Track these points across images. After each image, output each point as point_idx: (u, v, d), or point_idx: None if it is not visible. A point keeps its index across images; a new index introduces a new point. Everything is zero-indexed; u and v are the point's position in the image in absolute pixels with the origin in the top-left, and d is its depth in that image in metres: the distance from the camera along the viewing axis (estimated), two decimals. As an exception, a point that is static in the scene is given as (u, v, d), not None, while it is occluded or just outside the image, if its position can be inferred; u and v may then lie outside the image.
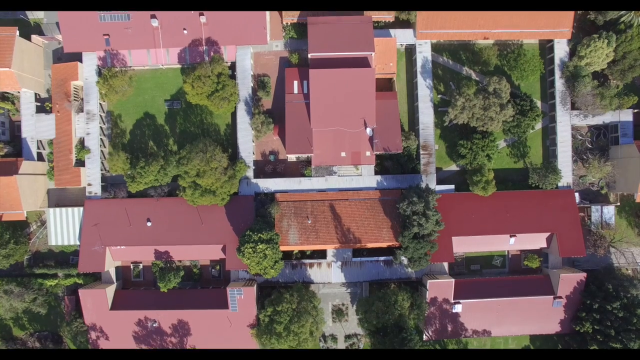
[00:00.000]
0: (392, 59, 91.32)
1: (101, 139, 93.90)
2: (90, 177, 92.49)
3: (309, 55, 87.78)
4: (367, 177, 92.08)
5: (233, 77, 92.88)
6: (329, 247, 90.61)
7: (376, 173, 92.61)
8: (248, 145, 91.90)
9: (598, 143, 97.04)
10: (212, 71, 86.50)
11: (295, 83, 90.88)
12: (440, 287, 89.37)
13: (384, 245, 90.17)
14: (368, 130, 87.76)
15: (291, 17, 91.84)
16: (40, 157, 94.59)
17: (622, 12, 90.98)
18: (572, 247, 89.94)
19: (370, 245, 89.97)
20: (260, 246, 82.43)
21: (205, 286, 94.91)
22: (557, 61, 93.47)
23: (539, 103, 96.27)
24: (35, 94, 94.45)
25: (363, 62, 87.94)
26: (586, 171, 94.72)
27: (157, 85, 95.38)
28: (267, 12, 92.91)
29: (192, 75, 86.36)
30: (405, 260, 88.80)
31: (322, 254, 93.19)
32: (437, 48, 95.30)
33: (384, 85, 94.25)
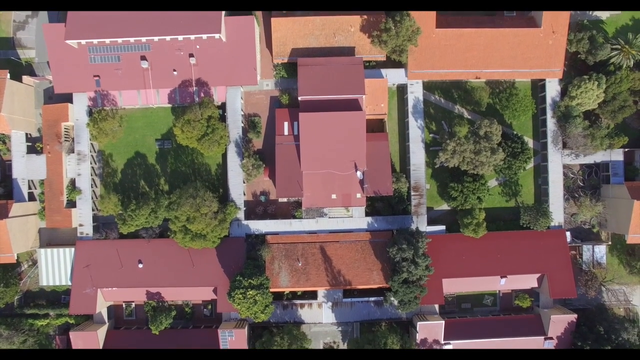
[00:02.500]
0: (383, 99, 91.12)
1: (92, 178, 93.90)
2: (82, 218, 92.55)
3: (299, 98, 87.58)
4: (357, 219, 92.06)
5: (223, 117, 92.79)
6: (319, 288, 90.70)
7: (367, 214, 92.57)
8: (239, 187, 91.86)
9: (590, 181, 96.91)
10: (202, 115, 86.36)
11: (286, 124, 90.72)
12: (430, 329, 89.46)
13: (375, 286, 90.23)
14: (358, 173, 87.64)
15: (282, 56, 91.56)
16: (31, 197, 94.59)
17: (612, 53, 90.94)
18: (563, 289, 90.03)
19: (360, 287, 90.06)
20: (251, 292, 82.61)
21: (197, 325, 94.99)
22: (548, 100, 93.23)
23: (530, 141, 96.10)
24: (26, 133, 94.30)
25: (354, 104, 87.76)
26: (578, 210, 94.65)
27: (147, 124, 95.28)
28: (258, 53, 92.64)
29: (182, 120, 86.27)
30: (395, 301, 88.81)
31: (313, 295, 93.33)
32: (429, 86, 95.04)
33: (375, 125, 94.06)
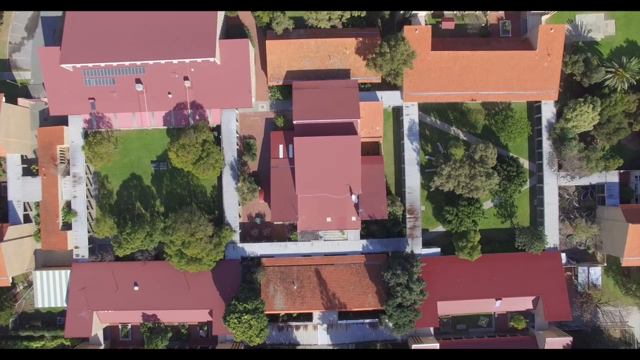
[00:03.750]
0: (379, 122, 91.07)
1: (88, 200, 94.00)
2: (78, 240, 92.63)
3: (294, 122, 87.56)
4: (352, 242, 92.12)
5: (218, 139, 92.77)
6: (315, 311, 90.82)
7: (362, 237, 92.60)
8: (234, 209, 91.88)
9: (585, 202, 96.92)
10: (197, 139, 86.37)
11: (281, 147, 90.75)
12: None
13: (370, 309, 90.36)
14: (353, 197, 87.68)
15: (276, 79, 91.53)
16: (27, 219, 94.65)
17: (607, 76, 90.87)
18: (558, 312, 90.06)
19: (355, 309, 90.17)
20: (246, 317, 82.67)
21: (194, 346, 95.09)
22: (544, 122, 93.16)
23: (526, 163, 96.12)
24: (22, 155, 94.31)
25: (349, 128, 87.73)
26: (573, 231, 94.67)
27: (143, 146, 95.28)
28: (253, 75, 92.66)
29: (177, 144, 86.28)
30: (390, 324, 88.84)
31: (308, 316, 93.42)
32: (424, 107, 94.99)
33: (371, 147, 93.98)
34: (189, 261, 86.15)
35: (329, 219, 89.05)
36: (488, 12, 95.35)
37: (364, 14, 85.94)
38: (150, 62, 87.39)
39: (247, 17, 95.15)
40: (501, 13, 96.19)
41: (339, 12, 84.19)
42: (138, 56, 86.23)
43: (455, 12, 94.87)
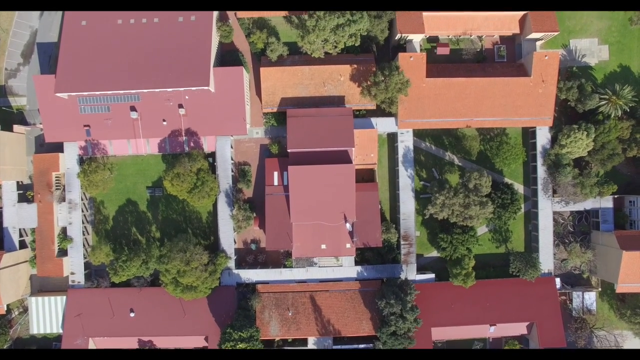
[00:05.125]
0: (373, 149, 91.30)
1: (84, 226, 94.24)
2: (73, 266, 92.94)
3: (288, 150, 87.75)
4: (347, 268, 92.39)
5: (213, 166, 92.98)
6: (309, 337, 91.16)
7: (356, 263, 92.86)
8: (229, 236, 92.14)
9: (580, 227, 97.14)
10: (191, 168, 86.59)
11: (276, 174, 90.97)
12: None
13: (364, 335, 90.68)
14: (348, 225, 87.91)
15: (271, 106, 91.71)
16: (22, 244, 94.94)
17: (601, 102, 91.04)
18: (553, 338, 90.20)
19: (350, 335, 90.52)
20: (241, 345, 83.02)
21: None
22: (539, 148, 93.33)
23: (521, 188, 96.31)
24: (18, 181, 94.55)
25: (343, 156, 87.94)
26: (568, 255, 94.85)
27: (138, 171, 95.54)
28: (247, 101, 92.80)
29: (171, 173, 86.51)
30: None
31: (303, 341, 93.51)
32: (419, 133, 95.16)
33: (366, 173, 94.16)
34: (184, 289, 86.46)
35: (323, 246, 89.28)
36: (483, 36, 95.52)
37: (358, 42, 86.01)
38: (145, 90, 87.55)
39: (241, 43, 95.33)
40: (496, 38, 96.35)
41: (333, 41, 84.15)
42: (132, 85, 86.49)
43: (450, 36, 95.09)
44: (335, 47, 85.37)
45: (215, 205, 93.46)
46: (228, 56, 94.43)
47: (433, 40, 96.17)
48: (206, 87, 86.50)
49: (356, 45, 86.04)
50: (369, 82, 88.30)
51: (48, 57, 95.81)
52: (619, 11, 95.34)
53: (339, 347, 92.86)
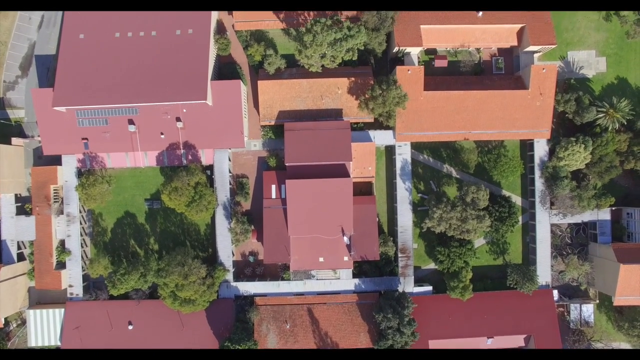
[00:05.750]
0: (371, 163, 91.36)
1: (83, 238, 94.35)
2: (72, 279, 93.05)
3: (286, 164, 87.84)
4: (345, 280, 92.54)
5: (211, 178, 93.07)
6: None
7: (354, 276, 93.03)
8: (227, 249, 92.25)
9: (577, 239, 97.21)
10: (189, 182, 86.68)
11: (273, 187, 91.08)
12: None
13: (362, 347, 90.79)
14: (345, 238, 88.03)
15: (269, 119, 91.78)
16: (20, 256, 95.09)
17: (598, 115, 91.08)
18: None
19: (347, 348, 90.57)
20: None
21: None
22: (536, 160, 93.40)
23: (519, 199, 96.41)
24: (16, 194, 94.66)
25: (341, 170, 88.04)
26: (565, 267, 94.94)
27: (136, 184, 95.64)
28: (245, 114, 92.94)
29: (169, 187, 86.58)
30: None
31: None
32: (417, 145, 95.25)
33: (363, 186, 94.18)
34: (182, 302, 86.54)
35: (321, 259, 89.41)
36: (481, 48, 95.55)
37: (355, 57, 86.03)
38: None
39: (239, 55, 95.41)
40: (494, 50, 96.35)
41: (331, 56, 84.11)
42: (129, 99, 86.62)
43: (448, 48, 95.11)
44: (333, 61, 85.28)
45: (213, 218, 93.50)
46: (226, 68, 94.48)
47: (431, 52, 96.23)
48: (203, 101, 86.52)
49: (354, 59, 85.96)
50: (366, 96, 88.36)
51: (46, 70, 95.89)
52: (616, 23, 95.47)
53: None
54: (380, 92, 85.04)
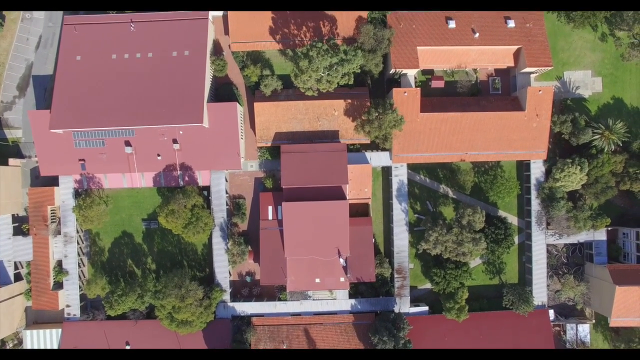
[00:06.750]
0: (367, 184, 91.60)
1: (80, 257, 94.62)
2: (69, 299, 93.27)
3: (282, 187, 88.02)
4: (341, 301, 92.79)
5: (208, 199, 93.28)
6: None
7: (350, 296, 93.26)
8: (224, 270, 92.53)
9: (573, 259, 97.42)
10: (186, 205, 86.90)
11: (270, 209, 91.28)
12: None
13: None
14: (341, 260, 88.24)
15: (265, 140, 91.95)
16: (17, 276, 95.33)
17: (594, 137, 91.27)
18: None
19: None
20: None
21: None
22: (533, 181, 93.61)
23: (515, 219, 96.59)
24: (13, 214, 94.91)
25: (337, 192, 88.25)
26: (561, 287, 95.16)
27: (133, 203, 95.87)
28: (242, 135, 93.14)
29: (166, 209, 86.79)
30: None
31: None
32: (414, 166, 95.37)
33: (360, 207, 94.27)
34: (179, 324, 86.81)
35: (317, 280, 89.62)
36: (478, 69, 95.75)
37: (351, 81, 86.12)
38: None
39: (235, 76, 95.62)
40: (491, 70, 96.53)
41: (326, 81, 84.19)
42: (126, 122, 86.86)
43: (445, 69, 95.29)
44: (329, 85, 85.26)
45: (210, 238, 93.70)
46: (222, 89, 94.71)
47: (428, 72, 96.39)
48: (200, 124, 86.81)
49: (349, 83, 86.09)
50: (363, 118, 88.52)
51: (43, 90, 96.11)
52: (611, 44, 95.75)
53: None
54: (377, 114, 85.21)
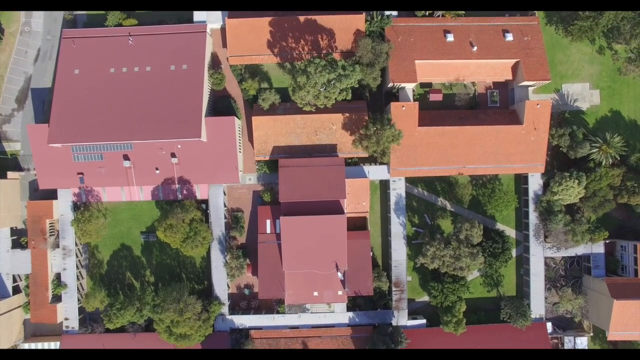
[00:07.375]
0: (365, 198, 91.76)
1: (79, 270, 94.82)
2: (68, 312, 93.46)
3: (280, 201, 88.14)
4: (339, 314, 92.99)
5: (206, 213, 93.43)
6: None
7: (348, 309, 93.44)
8: (222, 282, 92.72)
9: (571, 271, 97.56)
10: (184, 219, 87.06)
11: (268, 222, 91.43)
12: None
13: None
14: (339, 274, 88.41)
15: (263, 154, 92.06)
16: (16, 289, 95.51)
17: (592, 150, 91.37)
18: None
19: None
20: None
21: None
22: (531, 194, 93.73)
23: (513, 232, 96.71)
24: (12, 227, 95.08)
25: (335, 206, 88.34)
26: (559, 299, 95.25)
27: (132, 216, 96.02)
28: (240, 148, 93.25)
29: (164, 224, 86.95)
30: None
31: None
32: (412, 179, 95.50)
33: (358, 221, 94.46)
34: (178, 337, 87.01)
35: (315, 293, 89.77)
36: (476, 82, 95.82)
37: (349, 97, 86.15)
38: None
39: (233, 89, 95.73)
40: (489, 83, 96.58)
41: (324, 96, 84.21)
42: (124, 136, 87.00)
43: (443, 82, 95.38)
44: (327, 101, 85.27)
45: (209, 251, 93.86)
46: (220, 102, 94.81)
47: (426, 85, 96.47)
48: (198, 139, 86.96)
49: (347, 99, 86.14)
50: (361, 132, 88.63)
51: (42, 103, 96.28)
52: (609, 57, 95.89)
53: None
54: (375, 129, 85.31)
